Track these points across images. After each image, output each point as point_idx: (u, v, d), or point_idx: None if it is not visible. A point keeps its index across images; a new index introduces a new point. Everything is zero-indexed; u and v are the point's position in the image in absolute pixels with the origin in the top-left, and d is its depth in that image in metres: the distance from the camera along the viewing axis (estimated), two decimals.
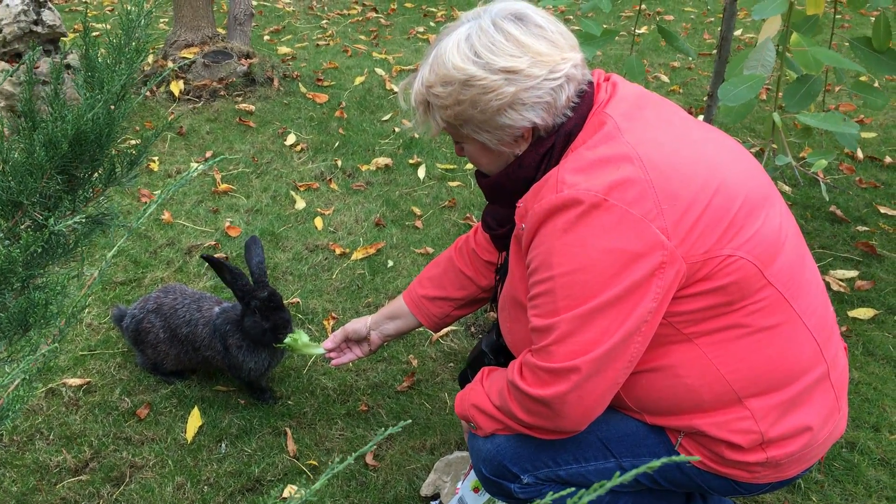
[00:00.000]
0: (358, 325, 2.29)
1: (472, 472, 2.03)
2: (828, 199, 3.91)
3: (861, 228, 3.74)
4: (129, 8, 1.41)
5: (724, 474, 1.68)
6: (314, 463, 2.41)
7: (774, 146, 2.45)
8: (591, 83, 1.64)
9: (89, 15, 6.89)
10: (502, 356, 1.94)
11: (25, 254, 1.09)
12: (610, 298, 1.48)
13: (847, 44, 2.46)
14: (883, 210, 3.90)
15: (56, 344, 1.15)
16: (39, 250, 1.14)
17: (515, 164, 1.66)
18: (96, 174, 1.28)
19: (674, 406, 1.64)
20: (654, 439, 1.71)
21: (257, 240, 2.47)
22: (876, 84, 5.43)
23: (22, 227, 1.24)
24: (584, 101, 1.61)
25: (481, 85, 1.55)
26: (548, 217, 1.51)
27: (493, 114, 1.58)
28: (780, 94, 2.48)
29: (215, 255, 2.36)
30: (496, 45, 1.54)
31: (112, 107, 1.28)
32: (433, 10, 7.40)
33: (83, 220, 1.22)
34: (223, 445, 2.46)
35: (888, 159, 4.39)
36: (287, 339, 2.30)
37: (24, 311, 1.11)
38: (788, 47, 2.31)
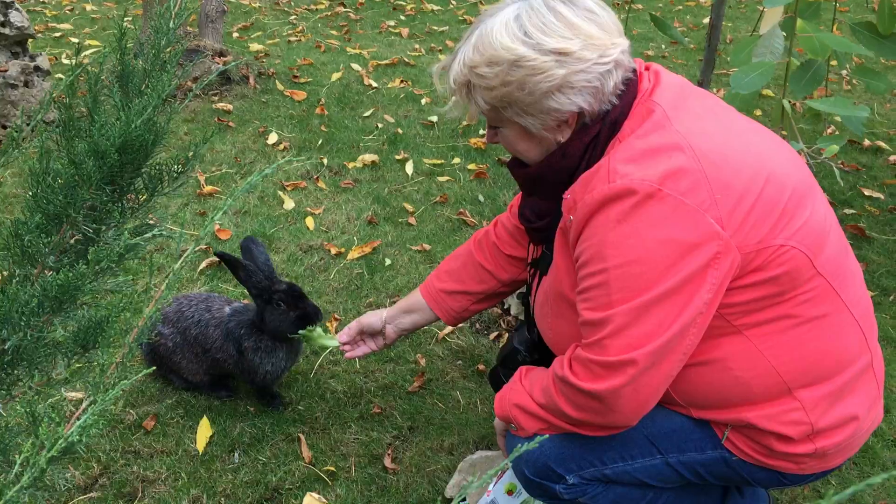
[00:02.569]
0: (373, 318, 2.24)
1: (507, 474, 1.99)
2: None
3: (848, 211, 3.78)
4: (158, 8, 1.34)
5: (770, 466, 1.67)
6: (332, 468, 2.35)
7: (784, 133, 2.45)
8: (634, 70, 1.61)
9: (48, 15, 6.67)
10: (536, 352, 1.91)
11: (93, 268, 1.02)
12: (666, 290, 1.45)
13: (848, 29, 2.48)
14: (867, 192, 3.96)
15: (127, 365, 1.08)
16: (111, 265, 1.07)
17: (559, 153, 1.63)
18: (142, 184, 1.21)
19: (722, 399, 1.62)
20: (699, 434, 1.69)
21: (255, 240, 2.39)
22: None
23: (70, 240, 1.16)
24: (630, 89, 1.58)
25: (531, 66, 1.51)
26: (600, 208, 1.48)
27: (540, 96, 1.54)
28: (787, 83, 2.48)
29: (223, 255, 2.26)
30: (548, 25, 1.50)
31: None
32: (402, 3, 7.32)
33: (147, 232, 1.15)
34: (236, 455, 2.38)
35: (867, 142, 4.46)
36: (306, 331, 2.26)
37: (86, 329, 1.04)
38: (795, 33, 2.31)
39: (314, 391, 2.64)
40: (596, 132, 1.59)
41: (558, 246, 1.66)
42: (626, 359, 1.48)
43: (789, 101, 2.29)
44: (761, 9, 2.45)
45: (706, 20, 6.66)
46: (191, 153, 1.24)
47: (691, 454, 1.69)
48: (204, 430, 2.44)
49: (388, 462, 2.37)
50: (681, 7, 7.43)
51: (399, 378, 2.71)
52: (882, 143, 4.42)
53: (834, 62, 2.56)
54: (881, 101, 5.11)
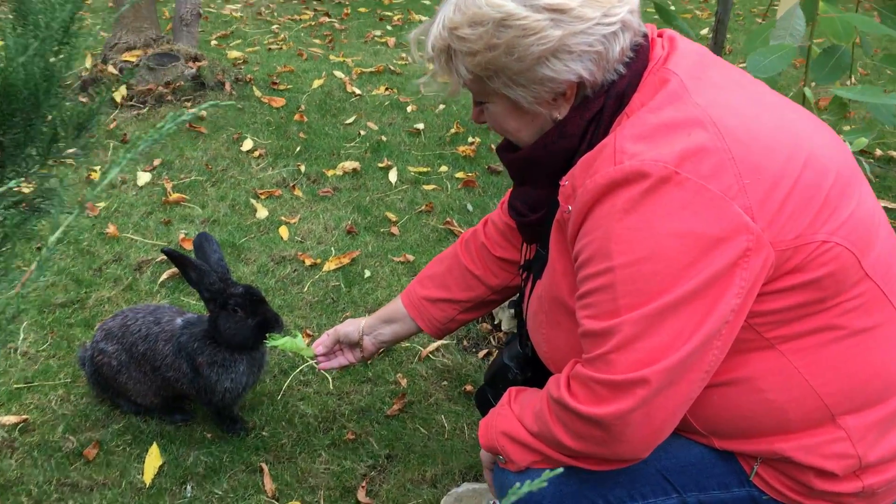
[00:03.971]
0: (350, 327, 1.98)
1: None
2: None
3: None
4: None
5: None
6: (298, 503, 2.07)
7: None
8: (646, 35, 1.36)
9: None
10: (530, 369, 1.65)
11: None
12: (684, 294, 1.19)
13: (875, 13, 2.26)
14: (882, 203, 3.72)
15: None
16: None
17: (555, 132, 1.37)
18: (26, 140, 0.95)
19: (752, 427, 1.36)
20: (723, 468, 1.42)
21: (209, 236, 2.12)
22: None
23: None
24: (640, 57, 1.33)
25: (521, 25, 1.26)
26: (604, 194, 1.22)
27: (532, 62, 1.28)
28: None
29: (171, 253, 1.99)
30: None
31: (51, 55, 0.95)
32: (389, 13, 7.11)
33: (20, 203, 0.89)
34: (189, 488, 2.10)
35: (878, 151, 4.23)
36: (276, 339, 1.99)
37: None
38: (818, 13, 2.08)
39: (281, 415, 2.36)
40: (599, 107, 1.33)
41: (554, 243, 1.40)
42: (635, 377, 1.21)
43: (811, 90, 2.06)
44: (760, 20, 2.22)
45: (704, 31, 6.46)
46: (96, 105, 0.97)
47: (714, 492, 1.42)
48: (153, 460, 2.16)
49: (361, 496, 2.09)
50: None
51: (377, 400, 2.44)
52: (894, 153, 4.20)
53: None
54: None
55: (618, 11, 1.28)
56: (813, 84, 2.13)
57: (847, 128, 2.36)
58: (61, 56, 0.95)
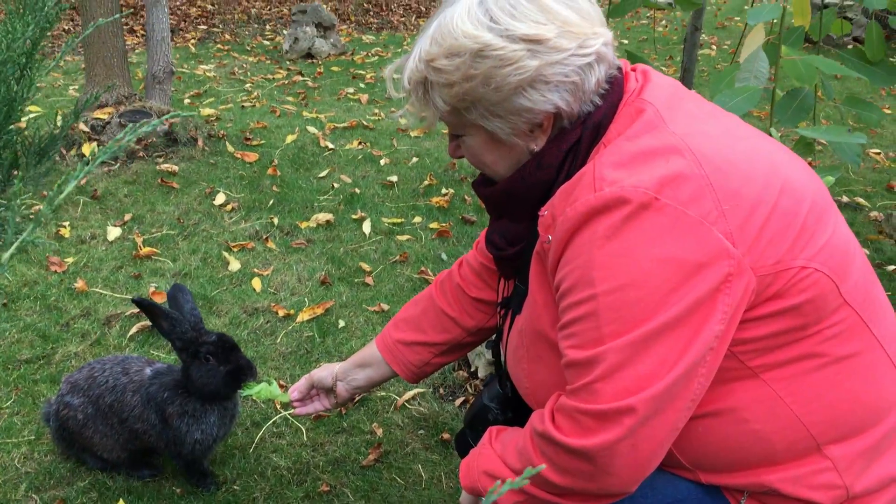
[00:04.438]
0: (323, 373, 1.95)
1: None
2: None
3: None
4: None
5: None
6: None
7: None
8: (620, 69, 1.37)
9: None
10: (510, 410, 1.61)
11: None
12: (668, 320, 1.18)
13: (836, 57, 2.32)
14: None
15: None
16: None
17: (532, 163, 1.36)
18: None
19: (738, 459, 1.33)
20: None
21: (182, 286, 2.08)
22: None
23: None
24: (615, 88, 1.33)
25: (498, 56, 1.26)
26: (585, 222, 1.21)
27: (509, 93, 1.28)
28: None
29: (141, 302, 1.94)
30: (517, 8, 1.26)
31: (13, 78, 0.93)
32: (361, 72, 7.20)
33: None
34: None
35: (845, 198, 4.31)
36: (251, 388, 1.95)
37: None
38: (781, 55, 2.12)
39: (253, 468, 2.29)
40: (576, 138, 1.33)
41: (534, 275, 1.38)
42: (621, 406, 1.19)
43: (776, 130, 2.09)
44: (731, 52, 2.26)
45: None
46: (59, 130, 0.95)
47: None
48: None
49: None
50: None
51: (352, 451, 2.37)
52: (861, 200, 4.27)
53: (820, 94, 2.39)
54: (859, 161, 5.00)
55: (593, 43, 1.29)
56: (777, 122, 2.17)
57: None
58: (24, 79, 0.93)
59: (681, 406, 1.22)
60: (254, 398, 1.99)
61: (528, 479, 0.61)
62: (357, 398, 2.57)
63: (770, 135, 2.11)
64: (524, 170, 1.38)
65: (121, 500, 2.12)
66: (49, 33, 1.08)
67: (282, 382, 2.65)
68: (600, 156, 1.27)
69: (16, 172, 0.95)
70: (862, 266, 1.36)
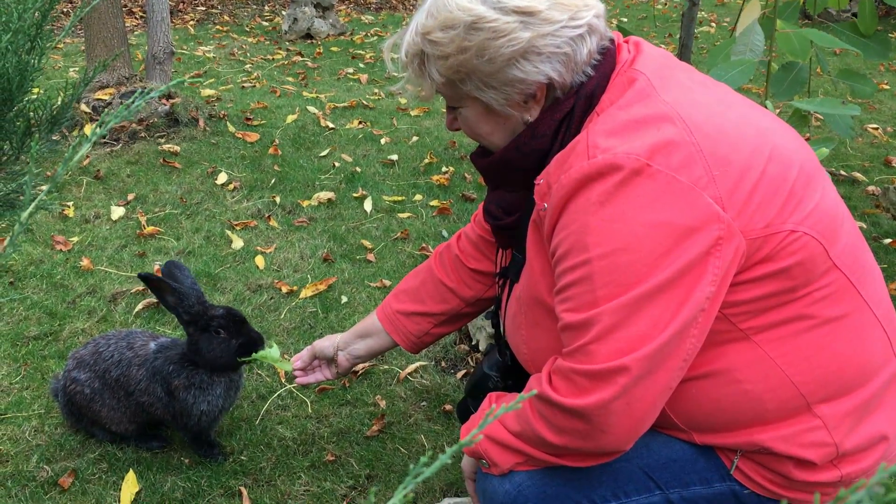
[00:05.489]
0: (325, 343, 2.00)
1: None
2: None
3: None
4: None
5: (788, 500, 1.41)
6: None
7: None
8: (612, 40, 1.40)
9: None
10: (510, 377, 1.65)
11: None
12: (660, 282, 1.22)
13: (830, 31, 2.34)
14: None
15: None
16: None
17: (527, 133, 1.40)
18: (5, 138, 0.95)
19: (730, 419, 1.37)
20: (704, 463, 1.43)
21: (178, 263, 2.10)
22: None
23: None
24: (607, 59, 1.37)
25: (491, 28, 1.29)
26: (579, 188, 1.25)
27: (502, 64, 1.32)
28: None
29: (147, 277, 1.97)
30: None
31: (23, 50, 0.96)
32: (361, 52, 7.20)
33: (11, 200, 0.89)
34: None
35: (843, 173, 4.33)
36: (258, 355, 2.01)
37: None
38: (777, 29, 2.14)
39: (259, 439, 2.34)
40: (569, 108, 1.37)
41: (531, 243, 1.42)
42: (615, 366, 1.23)
43: (771, 103, 2.11)
44: (730, 28, 2.28)
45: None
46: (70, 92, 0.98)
47: (695, 488, 1.42)
48: (129, 487, 2.12)
49: None
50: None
51: (356, 422, 2.42)
52: (858, 175, 4.30)
53: (819, 70, 2.41)
54: (853, 133, 5.02)
55: (584, 15, 1.33)
56: (772, 95, 2.20)
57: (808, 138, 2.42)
58: (34, 51, 0.96)
59: (673, 366, 1.26)
60: (256, 362, 2.04)
61: (520, 403, 0.64)
62: (359, 370, 2.61)
63: (766, 108, 2.15)
64: (519, 139, 1.41)
65: (130, 470, 2.17)
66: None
67: (285, 357, 2.69)
68: (593, 124, 1.30)
69: (34, 138, 0.98)
70: (851, 231, 1.40)
